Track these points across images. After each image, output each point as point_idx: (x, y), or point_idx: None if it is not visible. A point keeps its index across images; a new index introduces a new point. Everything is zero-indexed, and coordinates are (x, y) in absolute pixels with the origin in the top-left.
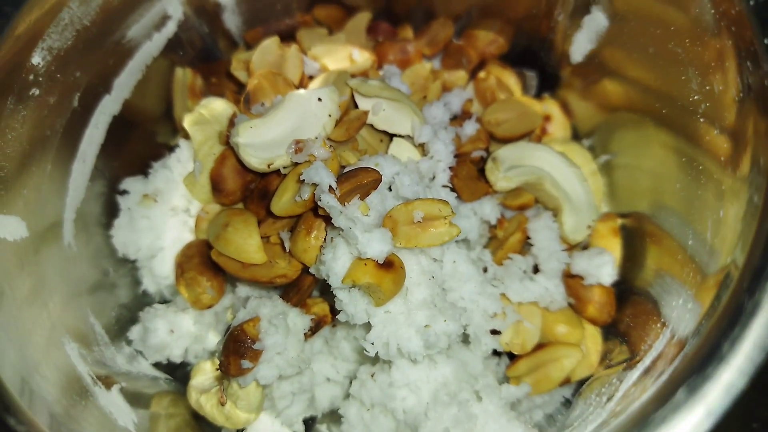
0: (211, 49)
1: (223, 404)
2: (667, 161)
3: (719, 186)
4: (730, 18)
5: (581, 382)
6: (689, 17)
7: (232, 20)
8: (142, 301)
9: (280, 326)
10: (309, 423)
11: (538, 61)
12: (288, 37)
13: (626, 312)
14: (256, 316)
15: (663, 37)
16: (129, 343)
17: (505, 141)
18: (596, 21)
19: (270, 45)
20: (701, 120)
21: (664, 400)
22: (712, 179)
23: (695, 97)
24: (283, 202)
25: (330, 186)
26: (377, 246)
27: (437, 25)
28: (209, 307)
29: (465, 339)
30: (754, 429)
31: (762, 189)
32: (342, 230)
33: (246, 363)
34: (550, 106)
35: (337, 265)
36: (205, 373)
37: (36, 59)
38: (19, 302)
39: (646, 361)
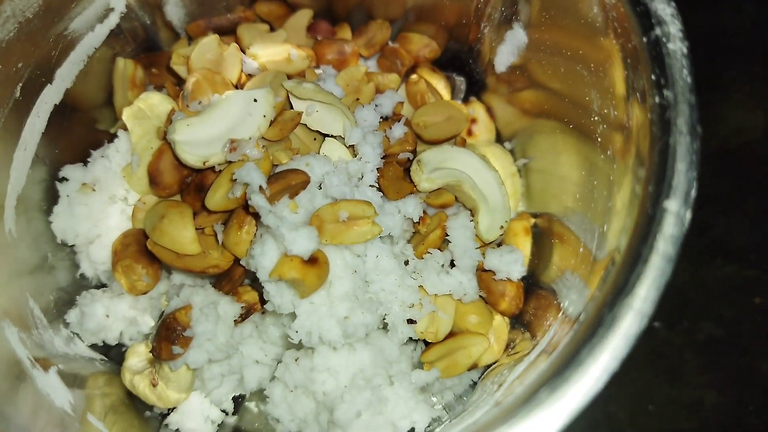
0: (153, 39)
1: (155, 385)
2: (573, 168)
3: (607, 201)
4: (626, 51)
5: (487, 367)
6: (593, 44)
7: (174, 12)
8: (80, 284)
9: (210, 314)
10: (239, 400)
11: (466, 67)
12: (229, 31)
13: (531, 305)
14: (188, 305)
15: (572, 59)
16: (66, 325)
17: (433, 143)
18: (517, 36)
19: (210, 43)
20: (599, 139)
21: (552, 375)
22: (602, 194)
23: (595, 118)
24: (217, 198)
25: (260, 186)
26: (303, 244)
27: (375, 26)
28: (144, 293)
29: (384, 327)
30: (650, 411)
31: (639, 190)
32: (270, 228)
33: (177, 349)
34: (476, 109)
35: (265, 260)
36: (138, 356)
37: None
38: None
39: (539, 347)
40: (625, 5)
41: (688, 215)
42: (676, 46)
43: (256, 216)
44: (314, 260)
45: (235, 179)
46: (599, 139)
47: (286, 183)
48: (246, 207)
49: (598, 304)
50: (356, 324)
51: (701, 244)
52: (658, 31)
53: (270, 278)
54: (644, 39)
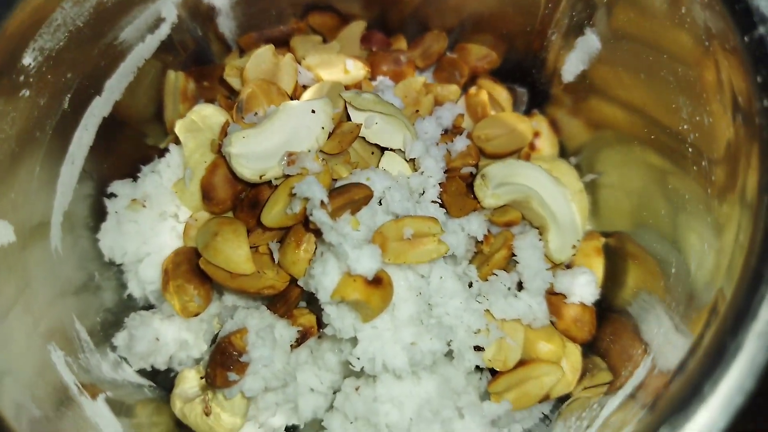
0: (204, 52)
1: (207, 414)
2: (653, 184)
3: (704, 217)
4: (723, 52)
5: (560, 399)
6: (683, 48)
7: (226, 24)
8: (127, 305)
9: (267, 339)
10: (292, 431)
11: (529, 77)
12: (282, 43)
13: (606, 331)
14: (244, 328)
15: (655, 64)
16: (114, 349)
17: (495, 157)
18: (589, 43)
19: (265, 53)
20: (689, 149)
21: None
22: (697, 209)
23: (684, 126)
24: (274, 213)
25: (322, 201)
26: (367, 263)
27: (431, 37)
28: (196, 315)
29: (449, 354)
30: None
31: (747, 228)
32: (332, 245)
33: (232, 375)
34: (539, 122)
35: (326, 279)
36: (189, 382)
37: (27, 60)
38: (4, 308)
39: (627, 389)
40: (720, 3)
41: None
42: None
43: (316, 233)
44: (378, 281)
45: (295, 194)
46: (689, 150)
47: (349, 198)
48: (305, 224)
49: (717, 331)
50: (424, 351)
51: None
52: (761, 29)
53: (331, 300)
54: (746, 39)
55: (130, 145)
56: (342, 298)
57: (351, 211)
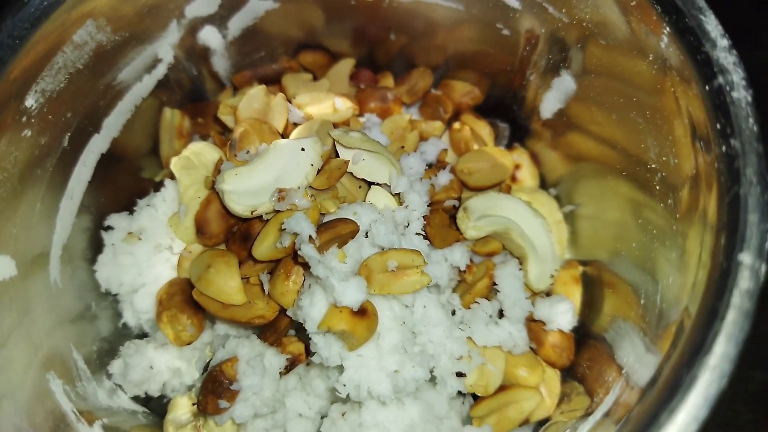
0: (199, 89)
1: None
2: (627, 215)
3: (671, 250)
4: (687, 99)
5: (539, 423)
6: (650, 92)
7: (220, 63)
8: (122, 333)
9: (257, 367)
10: None
11: (510, 113)
12: (274, 80)
13: (584, 356)
14: (234, 357)
15: (626, 106)
16: (109, 377)
17: (477, 190)
18: (565, 83)
19: (257, 93)
20: (657, 186)
21: None
22: (664, 241)
23: (653, 165)
24: (265, 247)
25: (310, 236)
26: (353, 295)
27: (417, 74)
28: (189, 343)
29: (432, 379)
30: None
31: (706, 264)
32: (320, 278)
33: (223, 403)
34: (520, 155)
35: (313, 311)
36: (181, 408)
37: (29, 102)
38: (4, 336)
39: (604, 408)
40: (684, 54)
41: (764, 268)
42: (740, 94)
43: (305, 266)
44: (363, 312)
45: (284, 229)
46: (657, 188)
47: (336, 233)
48: (294, 257)
49: (675, 364)
50: (407, 378)
51: None
52: (720, 79)
53: (318, 330)
54: (707, 88)
55: (126, 179)
56: (329, 329)
57: (338, 244)
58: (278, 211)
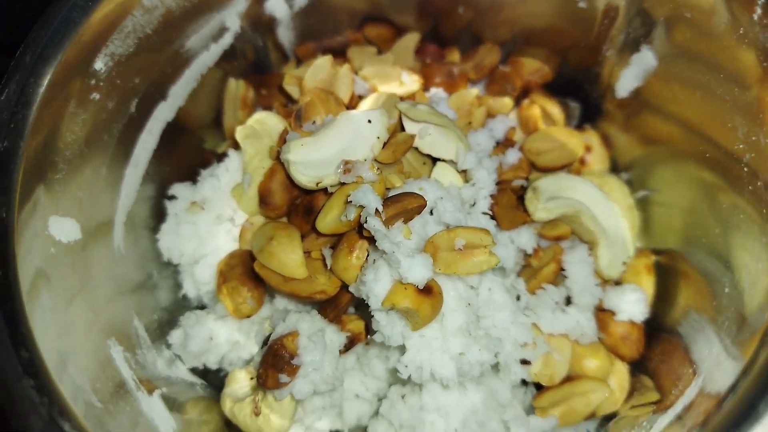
0: (263, 61)
1: (257, 415)
2: (706, 203)
3: (759, 238)
4: None
5: (606, 417)
6: (741, 68)
7: (285, 35)
8: (182, 304)
9: (318, 343)
10: None
11: (581, 92)
12: (338, 53)
13: (655, 350)
14: (296, 331)
15: (712, 83)
16: (169, 347)
17: (546, 171)
18: (645, 59)
19: (323, 63)
20: (745, 169)
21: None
22: (752, 230)
23: (740, 146)
24: (329, 220)
25: (376, 209)
26: (419, 271)
27: (484, 49)
28: (248, 316)
29: (495, 366)
30: None
31: None
32: (385, 253)
33: (283, 377)
34: (591, 137)
35: (378, 287)
36: (239, 382)
37: (98, 65)
38: (67, 298)
39: (677, 408)
40: None
41: None
42: None
43: (369, 240)
44: (428, 290)
45: (350, 201)
46: (745, 170)
47: (402, 207)
48: (358, 231)
49: (759, 373)
50: (472, 362)
51: None
52: None
53: (382, 307)
54: None
55: (190, 149)
56: (393, 306)
57: (404, 220)
58: (344, 184)
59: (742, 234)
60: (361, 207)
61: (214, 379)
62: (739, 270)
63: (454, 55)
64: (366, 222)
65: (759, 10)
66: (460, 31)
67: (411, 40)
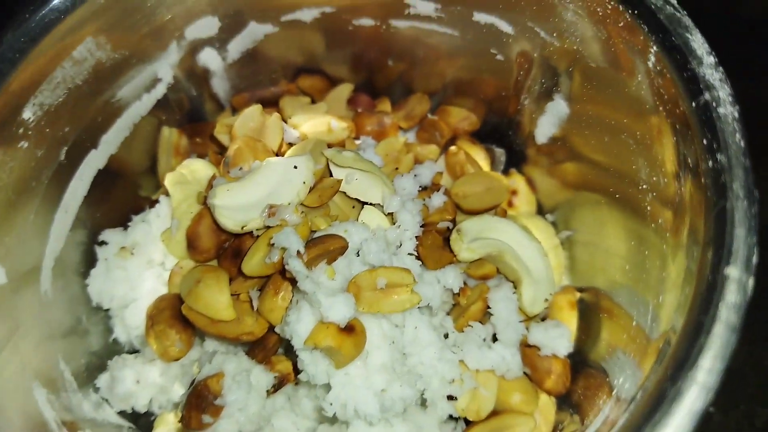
0: (199, 110)
1: None
2: (621, 241)
3: (660, 272)
4: (673, 116)
5: None
6: (638, 112)
7: (220, 85)
8: (113, 349)
9: (242, 383)
10: None
11: (506, 138)
12: (273, 103)
13: (579, 384)
14: (220, 372)
15: (616, 128)
16: (96, 390)
17: (472, 213)
18: (558, 107)
19: (253, 112)
20: (648, 208)
21: None
22: (655, 264)
23: (644, 186)
24: (254, 262)
25: (298, 251)
26: (340, 310)
27: (414, 99)
28: (177, 359)
29: (423, 402)
30: None
31: (691, 281)
32: (307, 293)
33: (207, 418)
34: (516, 181)
35: (300, 327)
36: (167, 425)
37: (27, 114)
38: None
39: (595, 426)
40: (671, 72)
41: (751, 282)
42: (727, 110)
43: (293, 282)
44: (351, 329)
45: (273, 243)
46: (648, 209)
47: (324, 248)
48: (283, 273)
49: (659, 378)
50: (394, 398)
51: (758, 323)
52: (707, 95)
53: (305, 346)
54: (693, 104)
55: (123, 196)
56: (315, 345)
57: (327, 261)
58: (269, 227)
59: (651, 266)
60: (284, 249)
61: (144, 423)
62: (648, 298)
63: (386, 105)
64: (288, 263)
65: (653, 58)
66: (392, 82)
67: (344, 90)
